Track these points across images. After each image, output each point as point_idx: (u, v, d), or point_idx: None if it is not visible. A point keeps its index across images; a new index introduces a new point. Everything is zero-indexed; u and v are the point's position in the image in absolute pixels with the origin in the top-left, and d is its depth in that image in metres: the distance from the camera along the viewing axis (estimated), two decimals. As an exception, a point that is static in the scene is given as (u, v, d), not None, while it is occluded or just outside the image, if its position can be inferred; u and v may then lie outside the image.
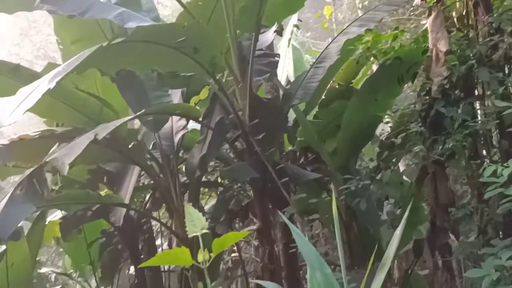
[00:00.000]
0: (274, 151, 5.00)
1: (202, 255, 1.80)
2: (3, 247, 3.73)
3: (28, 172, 3.44)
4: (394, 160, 5.16)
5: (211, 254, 1.80)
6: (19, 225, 3.51)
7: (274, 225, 5.03)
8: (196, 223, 1.86)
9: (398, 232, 2.95)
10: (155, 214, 5.17)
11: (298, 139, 5.39)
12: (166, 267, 5.07)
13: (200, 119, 4.58)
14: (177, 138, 4.81)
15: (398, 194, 4.67)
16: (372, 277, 2.64)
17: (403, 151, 4.82)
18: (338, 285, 2.59)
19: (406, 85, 5.09)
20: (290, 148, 5.53)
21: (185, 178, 4.97)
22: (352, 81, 5.32)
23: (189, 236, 1.85)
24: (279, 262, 4.58)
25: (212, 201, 5.88)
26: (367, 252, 4.51)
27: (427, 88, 4.08)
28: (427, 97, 4.07)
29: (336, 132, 5.09)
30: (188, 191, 4.94)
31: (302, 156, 5.49)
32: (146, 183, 5.23)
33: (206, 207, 5.60)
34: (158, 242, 5.43)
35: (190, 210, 1.87)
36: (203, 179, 5.22)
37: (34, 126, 4.12)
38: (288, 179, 4.60)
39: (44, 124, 4.58)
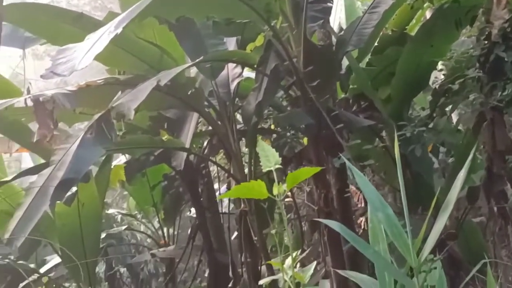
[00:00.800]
0: (328, 98, 4.92)
1: (277, 189, 1.78)
2: (74, 188, 3.84)
3: (96, 117, 3.48)
4: (448, 108, 5.00)
5: (285, 187, 1.77)
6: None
7: (328, 171, 5.00)
8: (270, 158, 1.83)
9: (462, 174, 2.84)
10: (212, 159, 5.20)
11: (351, 86, 5.27)
12: (225, 210, 5.16)
13: (255, 66, 4.52)
14: (233, 86, 4.78)
15: (454, 140, 4.54)
16: (432, 222, 2.56)
17: (460, 97, 4.65)
18: (401, 226, 2.52)
19: (463, 30, 4.87)
20: (342, 95, 5.41)
21: (240, 125, 4.97)
22: (406, 27, 5.13)
23: (264, 170, 1.82)
24: (334, 206, 4.55)
25: (266, 148, 5.87)
26: (419, 200, 4.46)
27: (487, 32, 3.89)
28: (486, 42, 3.89)
29: (390, 79, 4.95)
30: (244, 138, 4.92)
31: (354, 104, 5.37)
32: (203, 129, 5.25)
33: (261, 154, 5.58)
34: (215, 186, 5.49)
35: (264, 146, 1.84)
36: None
37: (94, 76, 4.15)
38: (343, 126, 4.54)
39: (106, 72, 4.62)
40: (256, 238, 4.42)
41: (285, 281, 1.79)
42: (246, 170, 4.69)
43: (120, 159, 5.14)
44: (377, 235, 2.61)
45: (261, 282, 2.02)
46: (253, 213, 4.44)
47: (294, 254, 1.82)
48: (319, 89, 4.71)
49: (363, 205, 5.77)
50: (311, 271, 1.86)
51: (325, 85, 4.82)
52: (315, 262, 1.93)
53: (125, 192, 6.86)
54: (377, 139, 5.04)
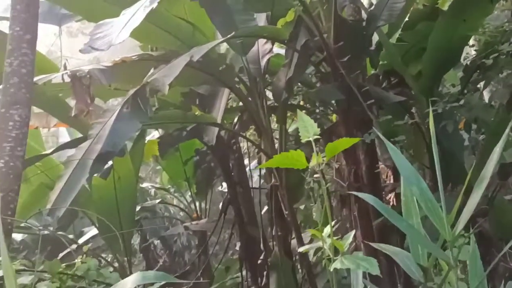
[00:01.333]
0: (358, 74, 4.86)
1: (315, 159, 1.76)
2: (110, 162, 3.89)
3: (131, 92, 3.50)
4: (479, 84, 4.89)
5: (324, 158, 1.75)
6: (122, 143, 3.62)
7: (357, 147, 4.96)
8: (309, 128, 1.81)
9: (498, 149, 2.76)
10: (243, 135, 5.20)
11: (381, 62, 5.18)
12: (255, 185, 5.18)
13: (285, 42, 4.47)
14: (263, 62, 4.74)
15: (487, 117, 4.43)
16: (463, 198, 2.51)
17: (493, 73, 4.53)
18: (435, 199, 2.48)
19: (498, 4, 4.73)
20: (372, 72, 5.33)
21: (270, 102, 4.95)
22: (438, 1, 4.99)
23: (302, 141, 1.80)
24: (364, 181, 4.53)
25: (295, 125, 5.86)
26: (449, 177, 4.39)
27: (523, 6, 3.74)
28: (522, 16, 3.75)
29: (421, 55, 4.84)
30: (274, 114, 4.91)
31: (384, 80, 5.28)
32: (234, 106, 5.25)
33: (289, 130, 5.58)
34: (245, 162, 5.51)
35: (303, 117, 1.82)
36: (286, 102, 5.16)
37: (127, 53, 4.16)
38: (373, 102, 4.48)
39: (139, 49, 4.63)
40: (287, 212, 4.43)
41: (324, 249, 1.78)
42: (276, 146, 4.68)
43: (154, 135, 5.18)
44: (410, 209, 2.57)
45: (301, 249, 2.02)
46: (284, 187, 4.44)
47: (333, 223, 1.81)
48: (350, 64, 4.66)
49: (391, 181, 5.74)
50: (350, 239, 1.85)
51: (356, 61, 4.76)
52: (353, 231, 1.91)
53: (158, 167, 6.95)
54: (406, 116, 4.97)
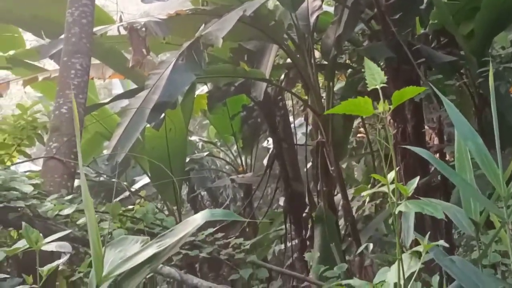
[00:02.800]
0: (409, 32, 4.72)
1: (382, 106, 1.73)
2: (162, 114, 3.94)
3: (186, 44, 3.51)
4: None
5: (391, 106, 1.72)
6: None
7: (404, 106, 4.88)
8: (376, 76, 1.77)
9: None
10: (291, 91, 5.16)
11: (431, 21, 4.98)
12: (299, 142, 5.18)
13: (336, -2, 4.36)
14: (312, 18, 4.65)
15: (544, 75, 4.25)
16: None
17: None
18: (490, 155, 2.42)
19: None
20: (422, 31, 5.16)
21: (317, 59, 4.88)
22: (493, -41, 4.72)
23: (369, 89, 1.77)
24: (410, 139, 4.46)
25: (340, 84, 5.78)
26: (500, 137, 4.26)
27: None
28: None
29: (473, 15, 4.63)
30: (321, 71, 4.85)
31: (434, 40, 5.11)
32: (280, 63, 5.21)
33: (335, 89, 5.51)
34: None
35: (369, 64, 1.77)
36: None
37: (176, 7, 4.14)
38: (423, 61, 4.37)
39: (189, 3, 4.60)
40: (332, 168, 4.43)
41: (388, 193, 1.78)
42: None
43: (202, 89, 5.22)
44: (464, 165, 2.52)
45: (364, 193, 2.01)
46: (330, 144, 4.43)
47: (392, 172, 1.79)
48: (400, 22, 4.53)
49: (436, 143, 5.64)
50: (415, 184, 1.83)
51: (406, 19, 4.62)
52: (418, 177, 1.89)
53: (205, 122, 7.01)
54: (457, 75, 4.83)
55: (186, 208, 5.34)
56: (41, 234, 2.18)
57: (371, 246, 3.88)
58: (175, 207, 4.73)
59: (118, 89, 5.73)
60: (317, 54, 5.10)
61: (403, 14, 4.52)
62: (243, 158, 5.59)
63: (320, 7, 4.73)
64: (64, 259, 2.29)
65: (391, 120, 4.52)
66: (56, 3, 3.52)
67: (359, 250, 3.24)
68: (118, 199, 3.97)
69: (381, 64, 4.92)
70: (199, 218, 2.13)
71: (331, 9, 5.30)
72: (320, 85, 5.00)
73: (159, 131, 3.90)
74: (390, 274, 2.09)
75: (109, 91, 6.93)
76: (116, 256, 2.04)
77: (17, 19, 4.00)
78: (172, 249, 2.05)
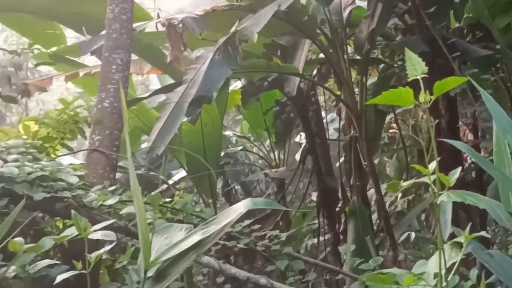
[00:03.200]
0: (444, 26, 4.67)
1: (423, 96, 1.73)
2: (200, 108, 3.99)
3: (222, 39, 3.56)
4: None
5: (432, 96, 1.72)
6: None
7: (438, 101, 4.83)
8: (416, 67, 1.77)
9: None
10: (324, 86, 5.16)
11: (466, 15, 4.91)
12: (331, 137, 5.19)
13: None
14: (345, 13, 4.64)
15: None
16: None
17: None
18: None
19: None
20: (457, 25, 5.08)
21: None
22: (531, -51, 4.62)
23: (409, 79, 1.77)
24: (445, 135, 4.42)
25: (371, 80, 5.75)
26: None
27: None
28: None
29: (509, 8, 4.54)
30: (354, 66, 4.83)
31: (469, 34, 5.03)
32: (313, 58, 5.21)
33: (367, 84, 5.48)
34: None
35: (410, 54, 1.78)
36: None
37: (209, 4, 4.20)
38: (458, 55, 4.32)
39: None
40: (365, 163, 4.42)
41: (429, 184, 1.78)
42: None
43: (236, 85, 5.27)
44: (503, 159, 2.49)
45: (404, 184, 2.02)
46: (363, 139, 4.42)
47: (433, 163, 1.79)
48: (435, 16, 4.48)
49: (469, 138, 5.56)
50: (457, 174, 1.83)
51: (441, 13, 4.57)
52: (460, 168, 1.89)
53: (238, 117, 7.07)
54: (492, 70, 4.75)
55: (221, 201, 5.41)
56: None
57: (413, 235, 3.87)
58: (210, 200, 4.80)
59: (155, 85, 5.83)
60: (349, 49, 5.09)
61: (437, 7, 4.47)
62: (276, 153, 5.63)
63: (353, 1, 4.71)
64: (110, 246, 2.36)
65: (425, 116, 4.48)
66: (96, 1, 3.61)
67: (401, 238, 3.23)
68: (156, 191, 4.05)
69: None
70: (241, 206, 2.17)
71: (363, 4, 5.27)
72: (352, 80, 5.00)
73: (195, 126, 3.96)
74: (430, 264, 2.09)
75: (146, 87, 7.05)
76: (162, 242, 2.09)
77: (59, 16, 4.14)
78: (216, 236, 2.10)
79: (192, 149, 4.18)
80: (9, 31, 8.55)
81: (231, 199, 5.71)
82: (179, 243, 2.05)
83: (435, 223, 5.03)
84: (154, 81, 6.03)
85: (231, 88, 5.05)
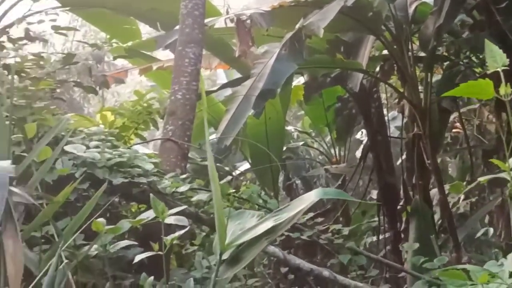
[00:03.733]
0: (515, 21, 4.50)
1: (504, 89, 1.71)
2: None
3: (289, 35, 3.61)
4: None
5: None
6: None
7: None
8: (497, 58, 1.75)
9: None
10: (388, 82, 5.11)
11: (539, 10, 4.71)
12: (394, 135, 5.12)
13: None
14: (411, 9, 4.57)
15: None
16: None
17: None
18: None
19: None
20: (528, 21, 4.87)
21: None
22: None
23: (489, 72, 1.75)
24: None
25: (435, 77, 5.62)
26: None
27: None
28: None
29: None
30: (419, 63, 4.75)
31: (542, 30, 4.82)
32: (376, 55, 5.16)
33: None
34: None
35: (490, 46, 1.76)
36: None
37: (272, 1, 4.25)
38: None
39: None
40: (428, 162, 4.34)
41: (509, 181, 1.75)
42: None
43: (299, 81, 5.30)
44: None
45: (481, 179, 2.00)
46: (427, 137, 4.34)
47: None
48: (506, 11, 4.33)
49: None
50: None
51: (512, 8, 4.42)
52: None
53: (299, 113, 7.11)
54: None
55: (281, 195, 5.47)
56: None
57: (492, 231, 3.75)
58: (272, 193, 4.86)
59: (222, 79, 5.96)
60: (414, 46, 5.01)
61: (509, 2, 4.33)
62: (336, 149, 5.62)
63: (419, -4, 4.64)
64: (184, 230, 2.46)
65: (490, 116, 4.35)
66: (171, -4, 3.74)
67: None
68: (223, 181, 4.14)
69: (484, 55, 4.74)
70: (313, 195, 2.22)
71: (429, 0, 5.18)
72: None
73: (259, 119, 4.02)
74: (507, 263, 2.05)
75: (213, 82, 7.20)
76: (236, 227, 2.17)
77: (137, 12, 4.33)
78: (288, 223, 2.15)
79: (256, 142, 4.25)
80: (88, 26, 8.98)
81: (292, 193, 5.76)
82: (252, 229, 2.12)
83: (502, 225, 4.88)
84: (221, 76, 6.16)
85: (294, 83, 5.08)
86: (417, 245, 3.69)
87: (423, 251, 3.97)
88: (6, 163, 2.08)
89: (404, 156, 4.92)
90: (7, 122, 2.23)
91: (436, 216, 4.68)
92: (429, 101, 4.49)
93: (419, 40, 4.75)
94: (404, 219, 4.56)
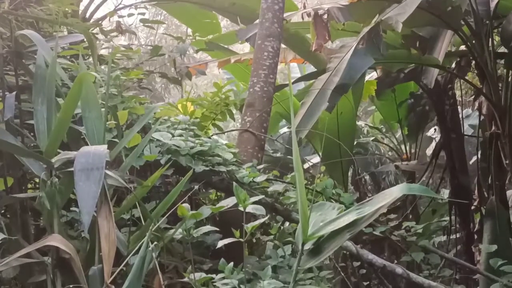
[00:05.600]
0: None
1: None
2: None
3: (366, 29, 3.56)
4: None
5: None
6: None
7: None
8: None
9: None
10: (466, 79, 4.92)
11: None
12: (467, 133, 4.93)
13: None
14: (493, 3, 4.37)
15: None
16: None
17: None
18: None
19: None
20: None
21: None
22: None
23: None
24: None
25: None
26: None
27: None
28: None
29: None
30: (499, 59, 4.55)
31: None
32: (452, 50, 4.99)
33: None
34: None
35: None
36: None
37: None
38: None
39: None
40: (507, 162, 4.16)
41: None
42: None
43: (372, 75, 5.22)
44: None
45: None
46: (506, 136, 4.16)
47: None
48: None
49: None
50: None
51: None
52: None
53: (369, 108, 7.00)
54: None
55: (349, 190, 5.40)
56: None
57: None
58: (342, 188, 4.81)
59: (295, 73, 5.97)
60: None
61: None
62: (407, 146, 5.49)
63: (502, -9, 4.43)
64: (264, 219, 2.50)
65: None
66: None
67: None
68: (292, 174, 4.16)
69: None
70: (396, 190, 2.19)
71: (510, -6, 4.94)
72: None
73: (331, 114, 4.00)
74: None
75: (285, 75, 7.21)
76: (317, 219, 2.18)
77: (220, 6, 4.43)
78: (370, 217, 2.13)
79: (328, 136, 4.21)
80: (170, 20, 9.25)
81: (360, 189, 5.69)
82: (334, 221, 2.12)
83: None
84: (294, 70, 6.17)
85: (366, 78, 5.00)
86: (495, 247, 3.56)
87: (499, 253, 3.82)
88: (103, 148, 2.19)
89: (478, 156, 4.74)
90: (103, 109, 2.35)
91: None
92: (510, 100, 4.30)
93: (500, 36, 4.54)
94: (477, 220, 4.41)
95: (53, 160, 2.20)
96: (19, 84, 2.63)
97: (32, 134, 2.52)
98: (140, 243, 2.15)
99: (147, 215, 2.37)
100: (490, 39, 4.41)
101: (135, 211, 2.53)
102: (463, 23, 4.52)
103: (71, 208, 2.61)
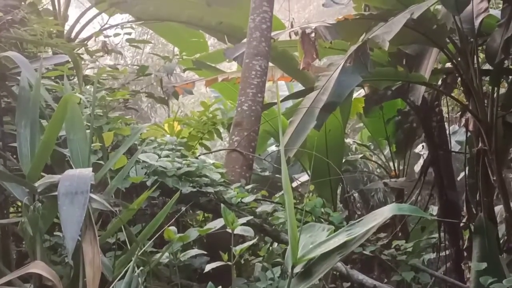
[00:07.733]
0: None
1: None
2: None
3: (353, 47, 3.57)
4: None
5: None
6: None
7: None
8: None
9: None
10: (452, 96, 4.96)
11: None
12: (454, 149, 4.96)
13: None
14: (477, 22, 4.42)
15: None
16: None
17: None
18: None
19: None
20: None
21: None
22: None
23: None
24: None
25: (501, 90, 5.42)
26: None
27: None
28: None
29: None
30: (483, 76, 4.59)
31: None
32: (438, 67, 5.03)
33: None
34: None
35: None
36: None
37: (333, 14, 4.22)
38: None
39: (353, 9, 4.64)
40: (494, 178, 4.17)
41: None
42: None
43: (359, 93, 5.24)
44: None
45: None
46: (493, 152, 4.18)
47: None
48: None
49: None
50: None
51: None
52: None
53: (357, 125, 7.02)
54: None
55: (338, 208, 5.38)
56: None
57: None
58: (331, 206, 4.79)
59: (283, 91, 5.97)
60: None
61: None
62: (395, 163, 5.50)
63: (487, 9, 4.48)
64: (252, 241, 2.46)
65: None
66: (239, 10, 3.79)
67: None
68: (279, 194, 4.13)
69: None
70: (387, 210, 2.16)
71: (494, 12, 5.02)
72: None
73: (319, 132, 3.99)
74: None
75: (273, 93, 7.23)
76: (307, 240, 2.15)
77: (207, 25, 4.43)
78: (361, 238, 2.10)
79: (316, 154, 4.20)
80: (156, 39, 9.25)
81: (349, 207, 5.67)
82: (324, 243, 2.09)
83: None
84: (282, 87, 6.18)
85: (354, 96, 5.03)
86: (485, 264, 3.54)
87: (488, 271, 3.81)
88: (88, 171, 2.14)
89: (466, 172, 4.76)
90: (88, 131, 2.31)
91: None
92: (495, 116, 4.34)
93: (485, 53, 4.60)
94: (466, 236, 4.40)
95: (36, 184, 2.15)
96: (2, 106, 2.58)
97: (14, 157, 2.47)
98: (126, 268, 2.10)
99: (133, 239, 2.32)
100: (475, 56, 4.46)
101: (121, 235, 2.48)
102: (448, 41, 4.58)
103: (54, 233, 2.55)
